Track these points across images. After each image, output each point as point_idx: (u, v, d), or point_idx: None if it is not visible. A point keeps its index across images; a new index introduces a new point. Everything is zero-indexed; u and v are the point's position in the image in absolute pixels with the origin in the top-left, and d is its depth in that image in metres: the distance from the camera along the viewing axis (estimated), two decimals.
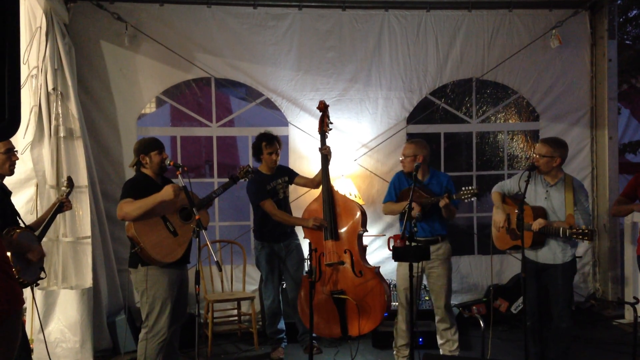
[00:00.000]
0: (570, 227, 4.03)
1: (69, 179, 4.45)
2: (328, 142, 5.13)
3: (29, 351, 3.91)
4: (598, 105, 6.57)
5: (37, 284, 4.00)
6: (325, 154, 5.05)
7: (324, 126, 5.10)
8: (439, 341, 4.82)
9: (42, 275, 3.96)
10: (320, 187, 5.12)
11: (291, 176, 5.31)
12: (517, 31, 6.39)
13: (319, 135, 5.12)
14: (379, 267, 4.96)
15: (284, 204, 5.21)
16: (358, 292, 4.71)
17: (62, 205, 4.21)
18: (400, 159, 4.73)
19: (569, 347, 4.34)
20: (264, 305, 5.43)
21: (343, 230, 4.86)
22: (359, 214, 4.88)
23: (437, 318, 4.79)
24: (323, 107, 5.13)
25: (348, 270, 4.77)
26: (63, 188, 4.40)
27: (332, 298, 4.73)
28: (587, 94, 6.59)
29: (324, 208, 4.91)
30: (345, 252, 4.80)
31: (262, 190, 5.10)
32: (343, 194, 5.31)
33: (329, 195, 4.93)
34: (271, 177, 5.19)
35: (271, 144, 5.13)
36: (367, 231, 5.12)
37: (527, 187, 4.14)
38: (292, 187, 5.44)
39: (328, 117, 5.13)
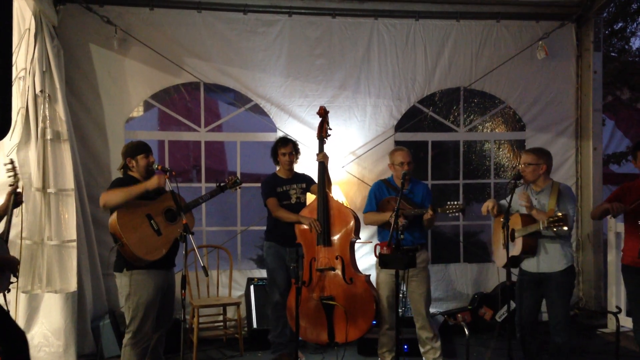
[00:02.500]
0: (550, 217, 4.04)
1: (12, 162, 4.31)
2: (316, 150, 5.11)
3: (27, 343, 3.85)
4: (583, 117, 6.66)
5: (9, 290, 3.98)
6: (322, 161, 5.04)
7: (323, 132, 5.09)
8: (422, 349, 4.83)
9: (13, 279, 3.94)
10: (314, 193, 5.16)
11: (309, 184, 5.27)
12: (505, 42, 6.47)
13: (317, 141, 5.09)
14: (369, 275, 4.97)
15: (295, 209, 5.11)
16: (347, 299, 4.71)
17: (17, 196, 4.10)
18: (399, 164, 4.72)
19: None
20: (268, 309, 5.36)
21: (336, 236, 4.87)
22: (352, 221, 4.88)
23: (417, 326, 4.80)
24: (323, 113, 5.12)
25: (338, 277, 4.78)
26: (9, 174, 4.22)
27: (321, 303, 4.73)
28: (573, 105, 6.68)
29: (319, 213, 4.89)
30: (336, 259, 4.80)
31: (270, 189, 5.12)
32: (338, 200, 5.29)
33: (324, 201, 4.92)
34: (286, 181, 5.19)
35: (285, 144, 5.15)
36: (359, 239, 5.13)
37: (513, 196, 4.20)
38: None
39: (327, 123, 5.12)
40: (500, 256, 4.52)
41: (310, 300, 4.78)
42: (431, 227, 4.81)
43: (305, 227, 4.92)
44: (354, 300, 4.70)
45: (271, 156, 5.29)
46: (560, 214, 3.98)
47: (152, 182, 3.94)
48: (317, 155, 5.09)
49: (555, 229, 4.02)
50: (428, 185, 4.91)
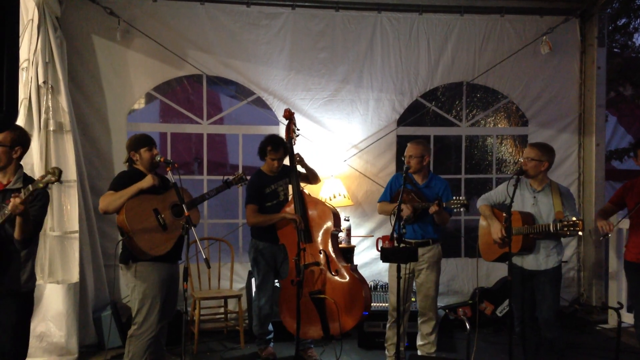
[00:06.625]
0: (560, 220, 4.06)
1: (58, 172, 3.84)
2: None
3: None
4: (586, 112, 6.64)
5: None
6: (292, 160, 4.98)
7: (290, 133, 5.02)
8: (419, 342, 4.84)
9: None
10: (312, 184, 5.20)
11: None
12: (508, 36, 6.45)
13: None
14: (356, 265, 4.96)
15: (283, 205, 5.06)
16: (336, 290, 4.72)
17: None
18: (405, 159, 4.71)
19: (562, 356, 4.36)
20: (252, 305, 5.34)
21: (316, 232, 4.86)
22: (331, 215, 4.87)
23: (420, 319, 4.81)
24: (288, 115, 5.05)
25: (324, 270, 4.78)
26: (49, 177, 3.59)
27: (311, 299, 4.73)
28: (576, 101, 6.66)
29: (296, 212, 4.87)
30: (320, 253, 4.81)
31: (255, 193, 5.01)
32: (314, 196, 5.19)
33: (300, 199, 4.90)
34: (273, 179, 5.10)
35: (276, 150, 4.98)
36: (341, 231, 5.12)
37: (515, 192, 4.17)
38: None
39: (295, 124, 5.07)
40: (490, 250, 4.51)
41: (300, 297, 4.77)
42: (445, 223, 4.74)
43: (286, 227, 4.88)
44: (343, 291, 4.70)
45: (258, 153, 5.12)
46: (574, 218, 4.01)
47: (148, 181, 3.94)
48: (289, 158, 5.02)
49: (568, 233, 4.05)
50: (447, 183, 4.84)
